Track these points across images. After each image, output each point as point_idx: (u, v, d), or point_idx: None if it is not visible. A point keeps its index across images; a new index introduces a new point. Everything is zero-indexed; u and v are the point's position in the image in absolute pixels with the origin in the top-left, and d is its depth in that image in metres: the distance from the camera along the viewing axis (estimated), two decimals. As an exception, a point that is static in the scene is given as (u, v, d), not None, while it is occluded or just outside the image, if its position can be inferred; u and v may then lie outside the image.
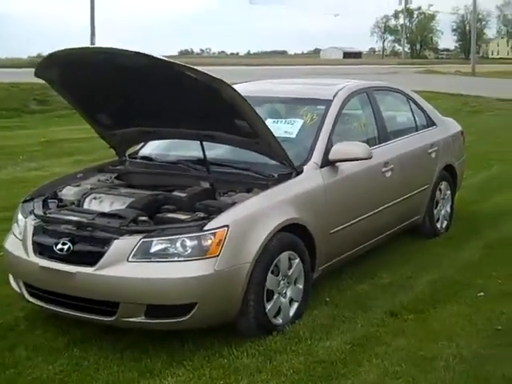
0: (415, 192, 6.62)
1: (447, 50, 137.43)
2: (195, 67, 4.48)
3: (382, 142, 6.17)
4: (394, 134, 6.45)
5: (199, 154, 5.49)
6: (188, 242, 4.34)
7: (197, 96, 4.71)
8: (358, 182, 5.65)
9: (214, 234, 4.36)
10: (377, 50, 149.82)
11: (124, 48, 4.53)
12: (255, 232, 4.60)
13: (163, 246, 4.37)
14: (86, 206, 5.13)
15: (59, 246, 4.52)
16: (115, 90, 5.10)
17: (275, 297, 4.75)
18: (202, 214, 4.62)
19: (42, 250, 4.67)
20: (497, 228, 7.42)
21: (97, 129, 5.63)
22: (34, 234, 4.74)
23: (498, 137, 13.52)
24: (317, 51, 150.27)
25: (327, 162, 5.33)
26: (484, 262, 6.31)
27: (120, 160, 5.90)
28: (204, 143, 5.16)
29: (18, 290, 4.95)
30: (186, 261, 4.32)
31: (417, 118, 7.05)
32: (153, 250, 4.37)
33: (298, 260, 4.92)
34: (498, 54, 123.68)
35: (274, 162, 5.19)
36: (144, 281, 4.32)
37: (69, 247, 4.49)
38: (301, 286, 4.98)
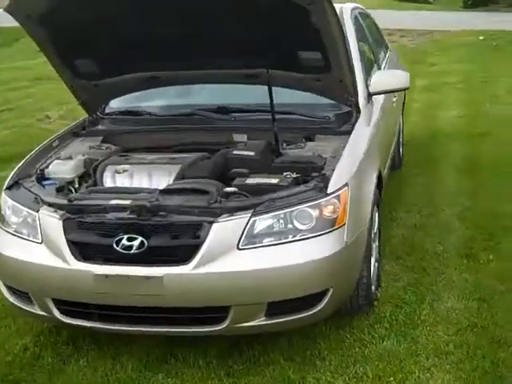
0: (398, 120, 6.09)
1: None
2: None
3: (380, 69, 5.47)
4: (380, 59, 5.78)
5: (212, 101, 4.43)
6: (311, 213, 3.33)
7: (259, 23, 3.60)
8: (385, 117, 4.93)
9: (338, 197, 3.40)
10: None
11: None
12: (365, 188, 3.74)
13: (274, 222, 3.31)
14: (108, 183, 3.82)
15: (124, 243, 3.26)
16: (115, 26, 3.81)
17: (372, 260, 3.95)
18: (293, 175, 3.62)
19: (90, 252, 3.36)
20: (438, 150, 7.10)
21: (70, 79, 4.23)
22: (67, 232, 3.38)
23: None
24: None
25: (369, 96, 4.52)
26: (480, 183, 5.96)
27: (92, 119, 4.55)
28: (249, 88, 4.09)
29: (36, 310, 3.57)
30: (311, 238, 3.30)
31: (382, 41, 6.45)
32: (259, 229, 3.29)
33: (377, 213, 4.14)
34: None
35: (320, 102, 4.29)
36: (265, 273, 3.24)
37: (141, 242, 3.25)
38: (377, 243, 4.22)
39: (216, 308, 3.29)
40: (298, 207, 3.31)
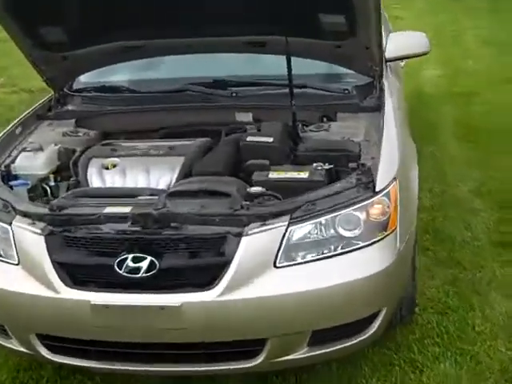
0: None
1: None
2: None
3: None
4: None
5: (207, 74, 3.71)
6: (359, 216, 2.67)
7: None
8: (400, 85, 4.28)
9: (388, 194, 2.75)
10: None
11: None
12: (410, 177, 3.12)
13: (313, 230, 2.64)
14: (95, 182, 3.07)
15: (129, 265, 2.55)
16: None
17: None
18: (324, 166, 2.95)
19: (84, 276, 2.64)
20: (431, 114, 6.53)
21: (33, 51, 3.45)
22: (52, 251, 2.64)
23: None
24: None
25: (386, 64, 3.84)
26: (484, 152, 5.38)
27: (58, 97, 3.77)
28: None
29: (14, 346, 2.85)
30: (360, 248, 2.64)
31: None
32: (297, 241, 2.62)
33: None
34: None
35: (332, 71, 3.65)
36: (310, 296, 2.57)
37: (151, 263, 2.54)
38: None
39: (248, 341, 2.63)
40: (344, 211, 2.66)
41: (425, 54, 4.06)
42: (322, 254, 2.63)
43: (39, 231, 2.67)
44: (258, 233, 2.56)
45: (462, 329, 3.22)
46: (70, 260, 2.64)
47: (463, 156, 5.42)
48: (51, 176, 3.17)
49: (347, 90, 3.55)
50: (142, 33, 3.32)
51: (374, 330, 2.74)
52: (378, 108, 3.38)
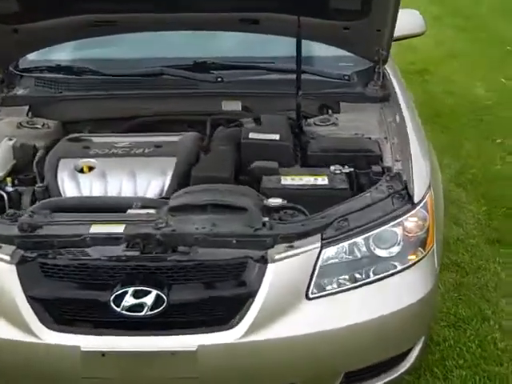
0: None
1: None
2: None
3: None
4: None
5: (187, 55, 3.21)
6: (397, 233, 2.26)
7: None
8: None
9: (425, 206, 2.35)
10: None
11: None
12: (437, 180, 2.73)
13: (346, 251, 2.21)
14: (70, 190, 2.50)
15: (128, 301, 2.05)
16: None
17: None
18: (343, 169, 2.52)
19: (70, 315, 2.12)
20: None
21: None
22: (26, 284, 2.10)
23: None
24: None
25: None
26: (453, 137, 5.18)
27: (4, 79, 3.16)
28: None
29: None
30: (399, 271, 2.24)
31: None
32: (330, 265, 2.18)
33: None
34: None
35: (326, 54, 3.22)
36: (346, 332, 2.16)
37: (157, 298, 2.05)
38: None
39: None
40: (382, 228, 2.24)
41: (420, 34, 3.68)
42: (355, 279, 2.21)
43: (8, 258, 2.11)
44: (286, 258, 2.11)
45: (483, 346, 2.91)
46: (50, 295, 2.11)
47: (434, 143, 5.11)
48: (8, 179, 2.59)
49: (347, 75, 3.13)
50: (114, 5, 2.76)
51: (410, 363, 2.38)
52: (386, 97, 2.99)
